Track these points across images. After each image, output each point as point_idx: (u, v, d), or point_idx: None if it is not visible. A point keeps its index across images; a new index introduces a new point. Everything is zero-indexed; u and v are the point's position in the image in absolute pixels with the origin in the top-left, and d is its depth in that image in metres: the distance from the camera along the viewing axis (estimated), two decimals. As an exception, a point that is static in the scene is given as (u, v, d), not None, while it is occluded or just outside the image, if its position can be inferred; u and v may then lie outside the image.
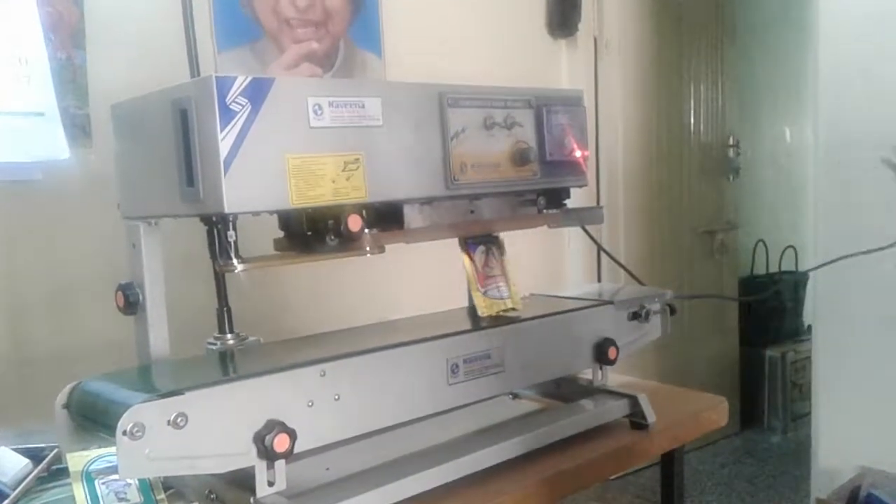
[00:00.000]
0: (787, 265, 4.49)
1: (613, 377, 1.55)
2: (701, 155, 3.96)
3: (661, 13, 3.68)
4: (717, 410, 1.62)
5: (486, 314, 1.40)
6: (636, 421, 1.47)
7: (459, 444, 1.30)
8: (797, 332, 4.40)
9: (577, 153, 1.42)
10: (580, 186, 1.46)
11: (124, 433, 0.93)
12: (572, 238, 3.28)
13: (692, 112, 3.90)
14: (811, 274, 3.04)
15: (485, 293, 1.41)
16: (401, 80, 1.26)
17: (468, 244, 1.41)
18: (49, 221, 2.02)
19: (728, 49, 4.06)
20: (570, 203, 1.50)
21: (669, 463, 1.60)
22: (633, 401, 1.47)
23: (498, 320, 1.40)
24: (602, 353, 1.47)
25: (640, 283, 1.78)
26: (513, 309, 1.43)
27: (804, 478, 3.20)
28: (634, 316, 1.53)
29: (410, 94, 1.23)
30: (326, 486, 1.15)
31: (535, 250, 3.11)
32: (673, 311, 1.59)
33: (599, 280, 3.34)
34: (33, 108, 1.93)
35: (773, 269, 4.52)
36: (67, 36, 2.05)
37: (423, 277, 2.32)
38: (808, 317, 4.36)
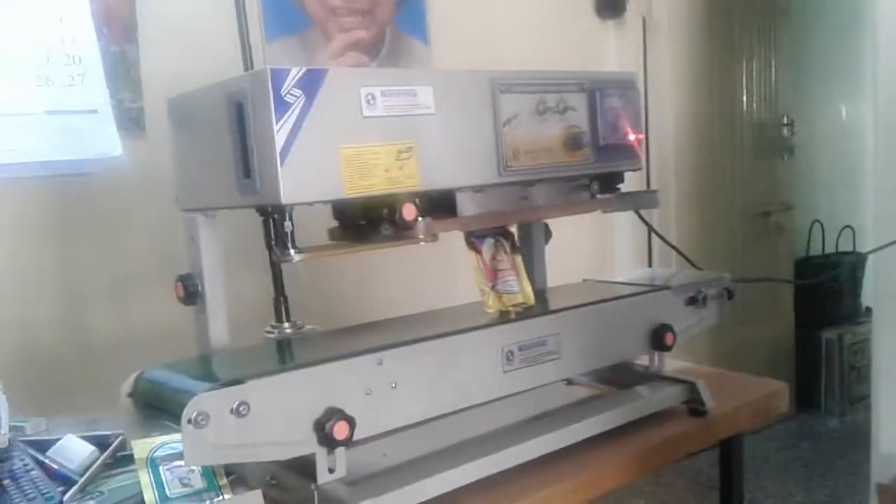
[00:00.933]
0: (844, 245, 4.38)
1: (667, 362, 1.53)
2: (754, 135, 3.87)
3: (712, -10, 3.60)
4: (777, 396, 1.59)
5: (494, 310, 1.34)
6: (694, 407, 1.45)
7: (515, 432, 1.30)
8: (855, 314, 4.30)
9: (632, 136, 1.40)
10: (635, 170, 1.44)
11: (189, 421, 0.95)
12: (622, 222, 3.24)
13: (745, 91, 3.81)
14: (870, 255, 2.96)
15: (493, 288, 1.34)
16: (452, 68, 1.25)
17: (474, 238, 1.34)
18: (106, 213, 2.06)
19: (782, 25, 3.96)
20: (622, 187, 1.48)
21: (728, 450, 1.57)
22: (692, 387, 1.45)
23: (554, 307, 1.39)
24: (658, 339, 1.45)
25: (695, 267, 1.75)
26: (523, 304, 1.36)
27: (862, 462, 3.13)
28: (692, 301, 1.51)
29: (462, 81, 1.22)
30: (385, 473, 1.16)
31: (584, 235, 3.09)
32: (731, 295, 1.56)
33: (650, 265, 3.30)
34: (87, 105, 1.96)
35: (830, 249, 4.41)
36: (120, 30, 2.08)
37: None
38: (866, 298, 4.26)
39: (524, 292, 1.37)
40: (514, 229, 1.42)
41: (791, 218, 4.09)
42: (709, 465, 3.24)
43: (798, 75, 4.15)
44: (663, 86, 3.38)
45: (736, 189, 3.79)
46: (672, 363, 1.56)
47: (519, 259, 1.38)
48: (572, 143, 1.32)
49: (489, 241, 1.35)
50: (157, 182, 1.72)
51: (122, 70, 2.07)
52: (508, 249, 1.37)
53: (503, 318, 1.33)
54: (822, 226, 4.41)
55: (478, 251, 1.33)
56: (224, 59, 1.85)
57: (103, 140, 1.98)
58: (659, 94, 3.32)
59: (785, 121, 3.99)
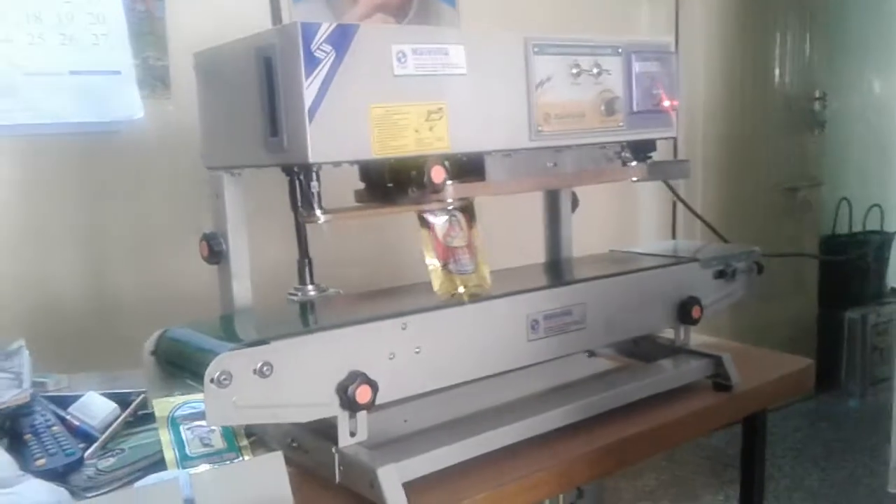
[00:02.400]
0: (872, 224, 4.31)
1: (689, 336, 1.51)
2: (785, 108, 3.80)
3: (747, -41, 3.52)
4: (803, 374, 1.56)
5: (443, 292, 1.19)
6: (720, 382, 1.43)
7: (538, 402, 1.29)
8: (880, 294, 4.25)
9: (666, 103, 1.36)
10: (668, 138, 1.40)
11: (212, 381, 0.94)
12: (646, 192, 3.20)
13: (778, 63, 3.74)
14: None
15: (445, 267, 1.21)
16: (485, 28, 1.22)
17: (426, 212, 1.21)
18: (130, 171, 2.06)
19: (818, -3, 3.87)
20: (653, 156, 1.44)
21: (751, 427, 1.55)
22: (717, 361, 1.43)
23: (580, 276, 1.37)
24: (685, 312, 1.43)
25: (724, 240, 1.72)
26: (477, 286, 1.22)
27: (882, 444, 3.11)
28: (720, 274, 1.48)
29: (495, 41, 1.19)
30: (406, 438, 1.15)
31: (608, 204, 3.05)
32: (760, 269, 1.53)
33: (674, 236, 3.26)
34: (110, 66, 1.95)
35: (857, 227, 4.35)
36: (146, -13, 2.06)
37: (500, 230, 2.29)
38: (891, 278, 4.20)
39: (479, 273, 1.23)
40: (474, 204, 1.26)
41: (819, 194, 4.03)
42: (724, 441, 3.25)
43: (832, 49, 4.06)
44: (695, 55, 3.32)
45: (764, 163, 3.73)
46: (694, 337, 1.53)
47: (478, 237, 1.25)
48: (606, 107, 1.29)
49: (443, 217, 1.22)
50: (182, 140, 1.71)
51: (148, 28, 2.05)
52: (464, 226, 1.24)
53: (528, 286, 1.30)
54: (849, 203, 4.34)
55: (429, 227, 1.21)
56: (251, 19, 1.82)
57: (125, 101, 1.97)
58: (690, 64, 3.26)
59: (817, 95, 3.91)
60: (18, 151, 1.89)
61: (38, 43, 1.86)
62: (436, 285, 1.19)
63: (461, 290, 1.21)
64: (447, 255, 1.21)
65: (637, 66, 1.31)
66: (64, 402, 1.30)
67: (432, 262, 1.20)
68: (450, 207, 1.21)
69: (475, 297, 1.21)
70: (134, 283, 2.06)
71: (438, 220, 1.21)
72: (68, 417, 1.26)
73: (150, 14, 2.06)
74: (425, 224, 1.20)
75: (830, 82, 4.02)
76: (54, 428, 1.21)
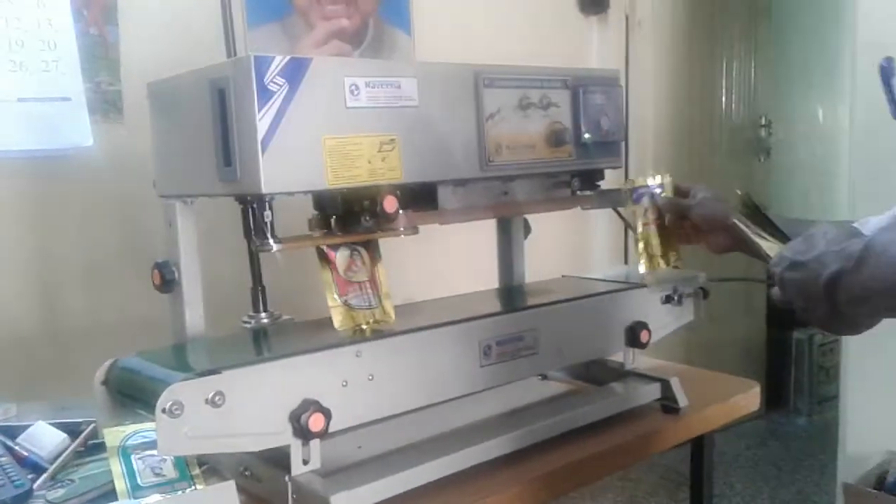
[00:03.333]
0: (817, 248, 4.41)
1: (641, 359, 1.54)
2: (732, 135, 3.90)
3: (695, -10, 3.62)
4: (749, 395, 1.60)
5: (343, 328, 1.17)
6: (667, 405, 1.47)
7: (490, 427, 1.30)
8: (825, 315, 4.35)
9: (613, 134, 1.40)
10: (615, 168, 1.44)
11: (163, 411, 0.94)
12: (598, 218, 3.25)
13: (724, 91, 3.84)
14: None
15: (345, 302, 1.19)
16: (436, 61, 1.25)
17: (327, 247, 1.19)
18: (81, 197, 2.03)
19: (763, 27, 3.99)
20: (602, 184, 1.48)
21: (699, 447, 1.59)
22: (665, 384, 1.47)
23: (532, 302, 1.39)
24: (634, 336, 1.46)
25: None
26: (379, 321, 1.20)
27: (830, 462, 3.18)
28: (668, 299, 1.52)
29: (446, 74, 1.22)
30: (359, 465, 1.16)
31: (561, 231, 3.09)
32: (706, 294, 1.57)
33: (626, 262, 3.31)
34: (60, 93, 1.93)
35: (803, 251, 4.45)
36: (100, 12, 2.04)
37: (453, 258, 2.32)
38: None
39: (383, 308, 1.21)
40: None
41: (765, 219, 4.12)
42: (679, 460, 3.29)
43: (777, 77, 4.19)
44: (644, 84, 3.39)
45: (712, 188, 3.81)
46: (645, 360, 1.57)
47: (380, 272, 1.23)
48: (554, 139, 1.32)
49: (344, 252, 1.20)
50: (135, 165, 1.70)
51: (101, 52, 2.04)
52: (367, 260, 1.22)
53: (481, 312, 1.32)
54: (795, 227, 4.43)
55: (330, 262, 1.19)
56: (205, 44, 1.83)
57: (75, 129, 1.95)
58: (639, 93, 3.34)
59: (763, 122, 4.02)
60: (-34, 179, 1.86)
61: (-12, 70, 1.84)
62: (336, 322, 1.17)
63: (363, 326, 1.19)
64: (347, 289, 1.19)
65: (584, 98, 1.35)
66: (12, 431, 1.28)
67: (332, 298, 1.18)
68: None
69: (378, 333, 1.19)
70: (84, 310, 2.03)
71: (338, 255, 1.19)
72: (17, 448, 1.24)
73: (104, 39, 2.05)
74: (325, 259, 1.19)
75: (775, 110, 4.13)
76: (2, 459, 1.19)
